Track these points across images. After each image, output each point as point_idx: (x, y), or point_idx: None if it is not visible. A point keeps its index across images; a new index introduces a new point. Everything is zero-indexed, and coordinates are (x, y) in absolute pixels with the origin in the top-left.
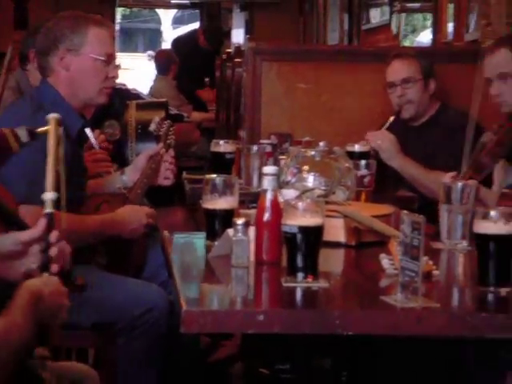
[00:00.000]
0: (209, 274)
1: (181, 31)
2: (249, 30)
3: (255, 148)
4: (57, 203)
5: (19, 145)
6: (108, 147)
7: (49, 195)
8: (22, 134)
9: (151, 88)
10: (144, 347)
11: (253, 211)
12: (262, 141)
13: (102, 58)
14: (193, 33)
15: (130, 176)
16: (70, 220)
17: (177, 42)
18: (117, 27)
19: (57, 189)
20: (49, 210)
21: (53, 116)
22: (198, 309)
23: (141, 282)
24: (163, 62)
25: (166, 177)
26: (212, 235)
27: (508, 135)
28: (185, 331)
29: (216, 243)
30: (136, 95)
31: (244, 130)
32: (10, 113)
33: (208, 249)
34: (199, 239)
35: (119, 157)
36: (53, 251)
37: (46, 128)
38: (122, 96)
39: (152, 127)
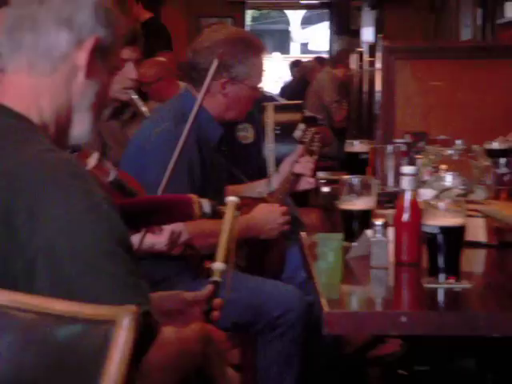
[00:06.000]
0: (348, 276)
1: (309, 31)
2: (379, 29)
3: (390, 147)
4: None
5: (201, 213)
6: None
7: (218, 265)
8: (206, 205)
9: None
10: (283, 348)
11: (390, 211)
12: (396, 140)
13: (258, 87)
14: None
15: (274, 183)
16: (207, 224)
17: None
18: (247, 29)
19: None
20: (216, 278)
21: (232, 200)
22: (339, 310)
23: (279, 283)
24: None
25: (308, 181)
26: (349, 236)
27: None
28: (327, 333)
29: (354, 244)
30: (270, 98)
31: (378, 129)
32: (153, 122)
33: (346, 250)
34: (338, 240)
35: (257, 159)
36: (214, 315)
37: (225, 208)
38: (256, 99)
39: (297, 134)
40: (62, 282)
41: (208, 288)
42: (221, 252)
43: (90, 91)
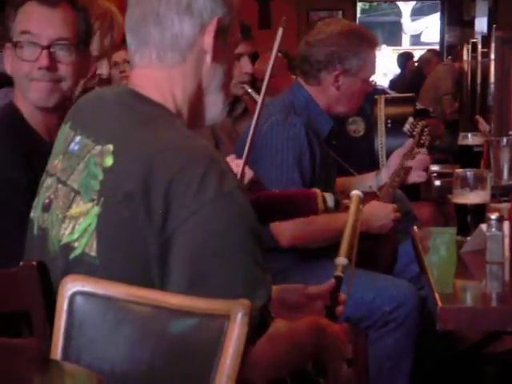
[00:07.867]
0: (462, 270)
1: (421, 23)
2: (492, 19)
3: (505, 140)
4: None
5: (325, 208)
6: None
7: (341, 260)
8: (330, 199)
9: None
10: (396, 342)
11: (504, 205)
12: (511, 132)
13: (371, 80)
14: None
15: (383, 176)
16: (319, 220)
17: None
18: (357, 22)
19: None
20: (339, 273)
21: (356, 194)
22: (453, 306)
23: (391, 277)
24: None
25: (419, 174)
26: (463, 230)
27: None
28: (441, 328)
29: (468, 238)
30: (382, 91)
31: (492, 121)
32: (263, 116)
33: (460, 244)
34: (451, 234)
35: (367, 152)
36: (339, 310)
37: (349, 202)
38: (367, 92)
39: (406, 127)
40: (190, 266)
41: (330, 283)
42: (344, 247)
43: (219, 72)
